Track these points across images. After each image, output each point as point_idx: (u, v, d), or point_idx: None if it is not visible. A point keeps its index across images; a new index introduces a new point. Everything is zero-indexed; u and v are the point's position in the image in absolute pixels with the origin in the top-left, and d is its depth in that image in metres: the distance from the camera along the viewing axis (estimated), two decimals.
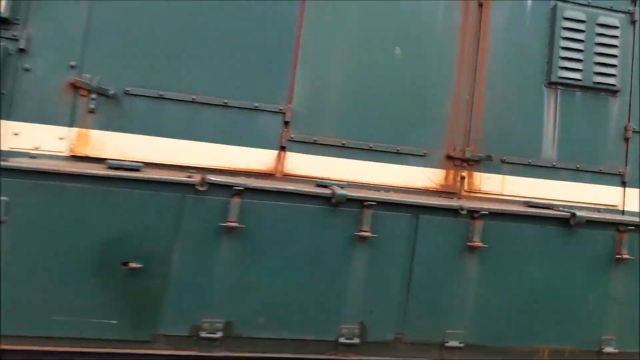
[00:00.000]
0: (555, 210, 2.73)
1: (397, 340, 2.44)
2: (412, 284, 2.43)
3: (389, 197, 2.50)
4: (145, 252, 2.22)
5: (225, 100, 2.78)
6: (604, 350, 2.61)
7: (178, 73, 2.74)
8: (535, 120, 3.18)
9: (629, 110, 3.32)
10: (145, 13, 2.72)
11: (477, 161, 3.09)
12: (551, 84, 3.20)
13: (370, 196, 2.42)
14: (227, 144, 2.79)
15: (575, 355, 2.61)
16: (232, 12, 2.81)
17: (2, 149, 2.53)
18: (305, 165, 2.89)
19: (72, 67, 2.65)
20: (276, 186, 2.38)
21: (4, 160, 2.23)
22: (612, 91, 3.27)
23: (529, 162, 3.17)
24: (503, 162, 3.14)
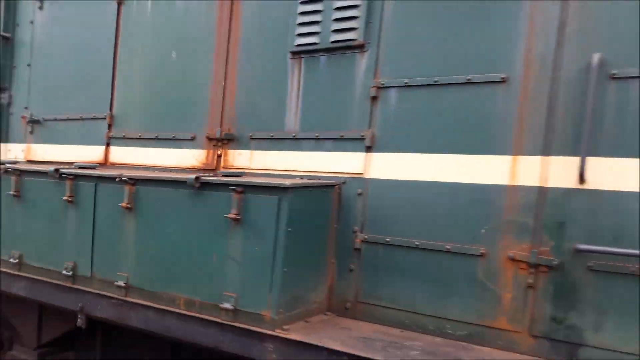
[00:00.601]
0: (180, 175, 2.93)
1: (93, 276, 3.23)
2: (95, 237, 3.19)
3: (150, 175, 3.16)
4: None
5: (80, 115, 4.09)
6: (221, 306, 2.65)
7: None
8: (280, 94, 3.19)
9: (376, 64, 2.87)
10: None
11: (230, 140, 3.37)
12: (294, 54, 3.14)
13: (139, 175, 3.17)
14: (84, 144, 4.09)
15: (203, 307, 2.75)
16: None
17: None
18: (120, 155, 3.89)
19: (25, 108, 4.49)
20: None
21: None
22: (356, 47, 2.92)
23: (272, 136, 3.20)
24: (251, 138, 3.29)
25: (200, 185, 2.76)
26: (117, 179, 3.08)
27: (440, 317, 2.66)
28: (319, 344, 2.43)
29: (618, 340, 2.27)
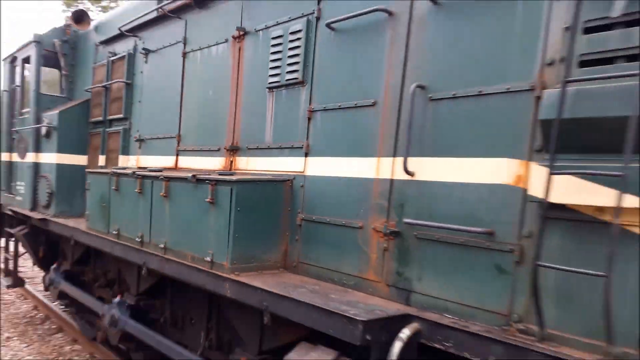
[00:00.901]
0: (184, 173, 4.41)
1: (150, 242, 4.91)
2: (151, 215, 4.86)
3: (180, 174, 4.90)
4: None
5: (164, 135, 5.89)
6: (205, 259, 4.08)
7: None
8: (263, 117, 4.55)
9: (311, 95, 4.07)
10: None
11: (237, 150, 4.81)
12: (269, 89, 4.48)
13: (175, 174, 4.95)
14: (165, 155, 5.87)
15: (197, 260, 4.21)
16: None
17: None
18: (184, 162, 5.57)
19: (137, 131, 6.47)
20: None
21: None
22: (299, 83, 4.16)
23: (257, 147, 4.57)
24: (248, 148, 4.70)
25: (195, 181, 4.26)
26: (159, 178, 4.75)
27: (339, 272, 3.78)
28: (251, 283, 3.74)
29: (433, 288, 3.18)
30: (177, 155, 5.73)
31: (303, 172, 4.12)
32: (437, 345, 2.90)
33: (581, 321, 2.52)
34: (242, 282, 3.80)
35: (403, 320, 3.06)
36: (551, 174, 2.48)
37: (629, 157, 2.22)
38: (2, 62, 9.09)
